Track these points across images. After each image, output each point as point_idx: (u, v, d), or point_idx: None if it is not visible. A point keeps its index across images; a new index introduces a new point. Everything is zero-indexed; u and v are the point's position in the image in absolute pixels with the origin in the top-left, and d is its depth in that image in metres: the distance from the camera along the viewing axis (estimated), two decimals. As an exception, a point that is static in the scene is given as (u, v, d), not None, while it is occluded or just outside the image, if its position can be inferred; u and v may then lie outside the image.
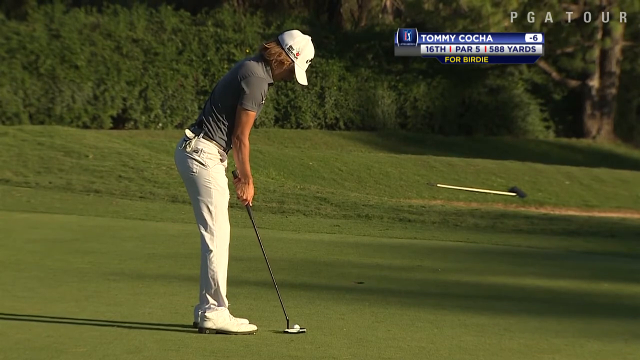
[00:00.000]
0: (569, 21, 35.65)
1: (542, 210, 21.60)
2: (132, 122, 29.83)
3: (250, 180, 7.09)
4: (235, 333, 6.97)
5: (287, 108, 32.62)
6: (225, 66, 31.56)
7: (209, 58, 31.47)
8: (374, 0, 40.80)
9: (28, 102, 28.31)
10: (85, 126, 28.24)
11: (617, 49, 37.07)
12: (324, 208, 16.15)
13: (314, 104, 32.67)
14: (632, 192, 26.38)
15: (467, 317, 7.94)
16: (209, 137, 6.98)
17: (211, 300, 6.97)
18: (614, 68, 37.39)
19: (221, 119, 6.99)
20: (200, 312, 7.00)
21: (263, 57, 7.05)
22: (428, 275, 10.24)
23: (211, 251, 7.00)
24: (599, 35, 36.27)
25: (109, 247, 11.25)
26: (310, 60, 7.15)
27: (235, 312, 7.16)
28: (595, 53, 36.43)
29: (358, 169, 24.81)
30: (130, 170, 18.80)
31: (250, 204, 7.23)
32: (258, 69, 7.00)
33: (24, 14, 31.21)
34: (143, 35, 30.89)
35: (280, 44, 7.05)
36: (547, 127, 37.74)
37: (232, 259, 10.56)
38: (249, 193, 7.13)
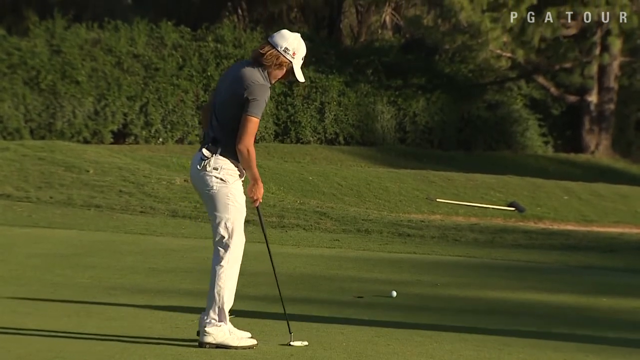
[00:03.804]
0: (570, 32, 35.79)
1: (541, 225, 21.62)
2: (132, 137, 29.90)
3: (260, 181, 7.09)
4: (236, 347, 7.00)
5: (287, 123, 32.71)
6: (226, 81, 31.58)
7: (209, 73, 31.55)
8: (373, 16, 40.93)
9: (29, 118, 28.38)
10: (85, 141, 28.30)
11: (616, 65, 37.16)
12: (324, 222, 16.19)
13: (314, 119, 32.75)
14: (630, 207, 26.40)
15: (466, 331, 7.97)
16: (226, 153, 6.98)
17: (212, 315, 7.00)
18: (612, 83, 37.46)
19: (234, 134, 6.96)
20: (201, 327, 7.03)
21: (259, 62, 7.00)
22: (427, 290, 10.27)
23: (222, 266, 7.02)
24: (597, 51, 36.36)
25: (109, 262, 11.28)
26: (304, 57, 7.17)
27: (235, 327, 7.19)
28: (594, 68, 36.53)
29: (357, 184, 24.85)
30: (131, 185, 18.84)
31: (260, 202, 7.20)
32: (258, 76, 6.97)
33: (25, 29, 31.30)
34: (144, 51, 30.98)
35: (274, 47, 7.01)
36: (546, 142, 37.81)
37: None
38: (259, 192, 7.13)
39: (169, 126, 30.44)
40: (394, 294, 8.61)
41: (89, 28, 30.98)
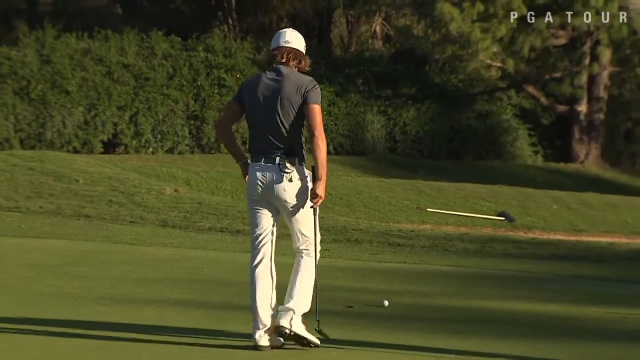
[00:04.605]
0: (559, 42, 35.92)
1: (531, 235, 21.63)
2: (122, 147, 29.88)
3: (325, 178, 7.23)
4: (308, 341, 7.21)
5: (277, 133, 32.67)
6: (216, 91, 31.63)
7: (199, 83, 31.55)
8: (363, 26, 41.01)
9: (19, 127, 28.34)
10: (75, 151, 28.26)
11: (605, 74, 37.26)
12: (314, 232, 16.15)
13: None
14: (620, 216, 26.45)
15: (456, 341, 7.97)
16: (302, 161, 7.24)
17: (302, 305, 7.18)
18: (602, 93, 37.57)
19: (301, 139, 7.23)
20: (285, 315, 7.15)
21: (297, 66, 7.26)
22: (417, 300, 10.28)
23: (312, 262, 7.31)
24: (586, 61, 36.47)
25: (99, 272, 11.27)
26: None
27: (225, 335, 7.18)
28: (583, 78, 36.62)
29: (348, 194, 24.86)
30: (121, 194, 18.83)
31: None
32: (299, 74, 7.24)
33: (15, 39, 31.26)
34: (134, 61, 30.98)
35: (300, 50, 7.29)
36: (536, 152, 37.89)
37: (223, 284, 10.62)
38: (324, 191, 7.29)
39: (159, 136, 30.42)
40: (386, 303, 8.63)
41: (79, 38, 30.96)
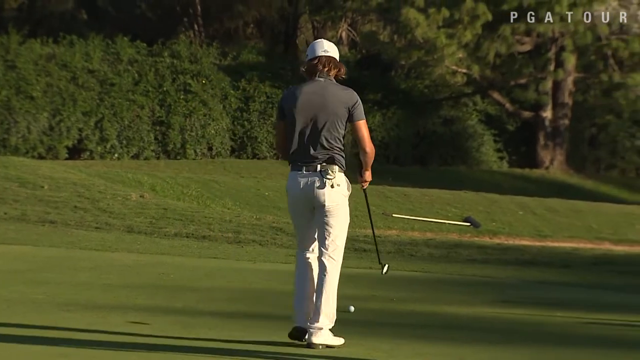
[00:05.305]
0: (524, 48, 36.13)
1: (496, 240, 21.72)
2: (87, 153, 29.76)
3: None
4: (339, 347, 7.40)
5: (243, 138, 32.68)
6: (182, 97, 31.55)
7: (165, 89, 31.48)
8: (329, 32, 41.04)
9: (-17, 133, 28.20)
10: (40, 157, 28.14)
11: (570, 81, 37.53)
12: (280, 238, 16.18)
13: (270, 134, 32.78)
14: (584, 222, 26.60)
15: (422, 346, 7.98)
16: (341, 168, 7.51)
17: (325, 320, 7.35)
18: (567, 99, 37.82)
19: (341, 147, 7.47)
20: (311, 329, 7.37)
21: (335, 77, 7.42)
22: (383, 305, 10.29)
23: (335, 274, 7.44)
24: (551, 67, 36.70)
25: (64, 278, 11.20)
26: None
27: (191, 342, 7.15)
28: (548, 84, 36.86)
29: (314, 200, 24.83)
30: (86, 200, 18.74)
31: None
32: (340, 87, 7.40)
33: (-21, 45, 31.10)
34: (99, 66, 30.88)
35: (337, 59, 7.43)
36: (501, 158, 38.08)
37: (187, 290, 10.59)
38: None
39: (124, 142, 30.33)
40: (352, 308, 8.66)
41: (44, 43, 30.84)
